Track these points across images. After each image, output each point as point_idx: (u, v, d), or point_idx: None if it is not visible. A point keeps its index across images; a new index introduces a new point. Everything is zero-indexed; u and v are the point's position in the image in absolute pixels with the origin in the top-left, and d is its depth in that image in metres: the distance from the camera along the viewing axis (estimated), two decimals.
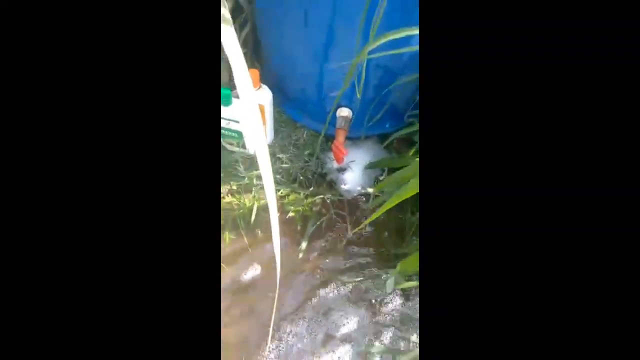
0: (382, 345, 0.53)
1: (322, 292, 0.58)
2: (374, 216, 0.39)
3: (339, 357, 0.52)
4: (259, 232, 0.62)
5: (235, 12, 0.67)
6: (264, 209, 0.64)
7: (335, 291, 0.58)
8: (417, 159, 0.37)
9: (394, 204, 0.37)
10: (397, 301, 0.58)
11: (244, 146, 0.67)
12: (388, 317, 0.57)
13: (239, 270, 0.59)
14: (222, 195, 0.65)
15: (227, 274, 0.59)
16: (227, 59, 0.29)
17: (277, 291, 0.39)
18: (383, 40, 0.35)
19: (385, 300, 0.58)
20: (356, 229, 0.64)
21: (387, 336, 0.55)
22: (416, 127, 0.63)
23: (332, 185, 0.71)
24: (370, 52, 0.38)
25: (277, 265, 0.36)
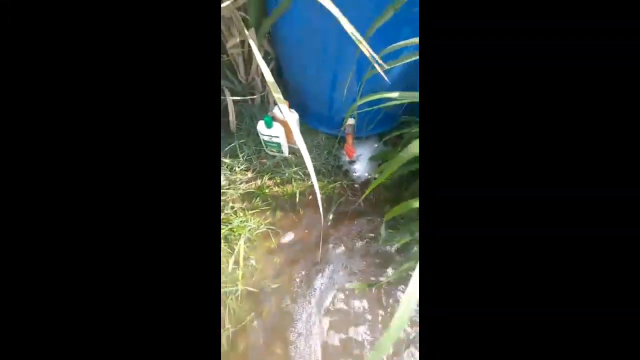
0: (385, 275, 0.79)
1: (342, 245, 0.85)
2: (374, 185, 0.62)
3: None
4: (300, 210, 0.90)
5: (265, 56, 0.93)
6: (301, 194, 0.91)
7: (351, 243, 0.85)
8: (400, 151, 0.49)
9: (383, 179, 0.62)
10: (392, 248, 0.84)
11: (281, 152, 0.95)
12: (383, 258, 0.83)
13: (287, 236, 0.87)
14: (270, 186, 0.92)
15: (279, 238, 0.87)
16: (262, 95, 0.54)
17: (321, 235, 0.65)
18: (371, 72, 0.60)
19: (382, 249, 0.84)
20: (362, 196, 0.90)
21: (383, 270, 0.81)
22: (406, 127, 0.88)
23: (347, 174, 0.97)
24: (357, 79, 0.62)
25: (322, 217, 0.61)
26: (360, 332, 0.72)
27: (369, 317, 0.74)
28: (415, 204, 0.52)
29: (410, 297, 0.33)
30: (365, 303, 0.76)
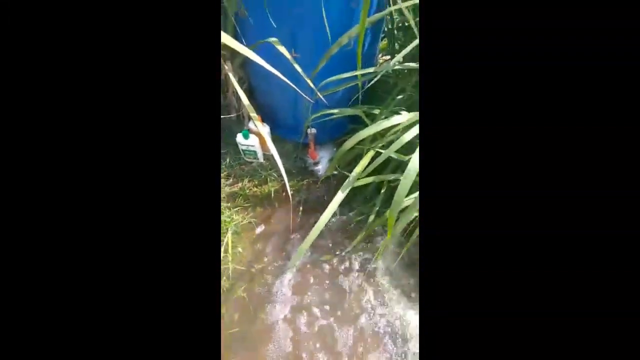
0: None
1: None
2: (329, 171, 0.82)
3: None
4: (276, 204, 1.09)
5: (240, 80, 1.13)
6: (276, 191, 1.11)
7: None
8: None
9: (332, 169, 0.82)
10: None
11: (257, 159, 1.14)
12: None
13: (266, 227, 1.06)
14: (249, 187, 1.11)
15: (260, 229, 1.06)
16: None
17: (290, 221, 0.85)
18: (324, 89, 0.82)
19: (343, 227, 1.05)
20: (321, 179, 1.10)
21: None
22: (352, 133, 1.09)
23: (312, 173, 1.18)
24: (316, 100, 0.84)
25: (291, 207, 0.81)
26: (325, 294, 0.92)
27: (328, 281, 0.94)
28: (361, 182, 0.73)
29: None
30: (328, 270, 0.96)
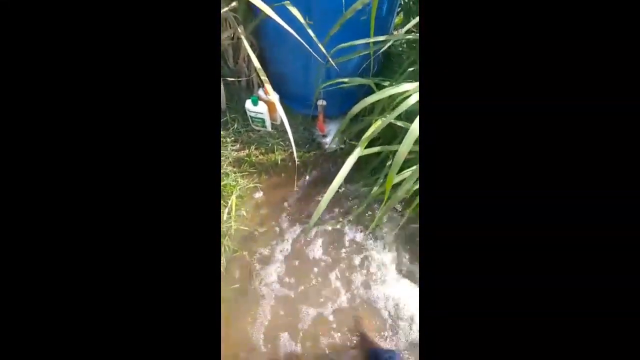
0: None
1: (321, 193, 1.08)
2: (338, 142, 0.84)
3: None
4: (282, 174, 1.11)
5: (251, 47, 1.12)
6: (282, 160, 1.12)
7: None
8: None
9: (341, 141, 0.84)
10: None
11: (265, 127, 1.15)
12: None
13: (270, 194, 1.08)
14: (256, 154, 1.13)
15: (264, 195, 1.08)
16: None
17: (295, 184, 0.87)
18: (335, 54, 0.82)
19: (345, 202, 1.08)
20: (329, 152, 1.11)
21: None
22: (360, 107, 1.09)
23: (319, 146, 1.19)
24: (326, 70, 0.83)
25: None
26: (322, 258, 0.96)
27: (329, 247, 0.98)
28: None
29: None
30: (328, 237, 0.99)
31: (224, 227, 0.97)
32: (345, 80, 0.76)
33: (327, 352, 0.82)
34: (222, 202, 1.01)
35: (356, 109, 0.69)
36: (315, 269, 0.94)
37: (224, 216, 0.99)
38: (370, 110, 0.99)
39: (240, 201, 1.03)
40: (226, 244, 0.95)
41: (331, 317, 0.87)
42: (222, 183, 1.02)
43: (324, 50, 0.68)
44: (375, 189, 0.92)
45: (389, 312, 0.89)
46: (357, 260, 0.96)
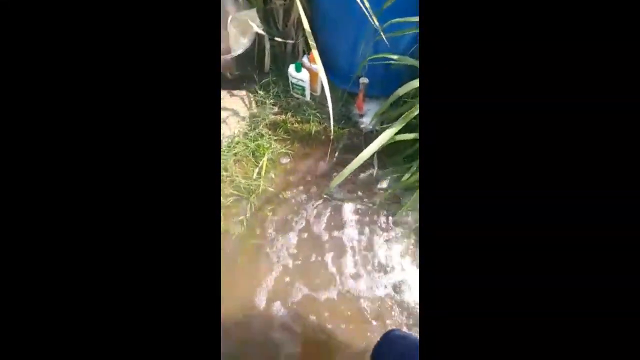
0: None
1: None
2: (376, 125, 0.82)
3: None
4: (314, 145, 1.13)
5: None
6: (316, 132, 1.14)
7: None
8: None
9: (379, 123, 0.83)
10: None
11: (304, 95, 1.16)
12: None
13: (301, 162, 1.11)
14: (292, 121, 1.15)
15: (295, 163, 1.11)
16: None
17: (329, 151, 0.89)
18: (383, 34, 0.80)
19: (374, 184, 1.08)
20: (364, 132, 1.11)
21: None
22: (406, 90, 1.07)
23: (355, 125, 1.18)
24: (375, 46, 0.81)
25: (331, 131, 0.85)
26: (342, 231, 0.98)
27: (351, 222, 1.00)
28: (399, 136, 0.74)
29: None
30: (350, 212, 1.01)
31: (252, 185, 1.02)
32: (395, 57, 0.74)
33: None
34: (255, 160, 1.05)
35: (401, 91, 0.69)
36: (327, 245, 0.97)
37: (254, 175, 1.03)
38: (413, 96, 0.97)
39: (270, 164, 1.07)
40: (252, 201, 1.00)
41: (337, 297, 0.90)
42: (256, 142, 1.06)
43: (375, 23, 0.67)
44: (406, 175, 0.92)
45: (397, 297, 0.91)
46: (378, 243, 0.98)
